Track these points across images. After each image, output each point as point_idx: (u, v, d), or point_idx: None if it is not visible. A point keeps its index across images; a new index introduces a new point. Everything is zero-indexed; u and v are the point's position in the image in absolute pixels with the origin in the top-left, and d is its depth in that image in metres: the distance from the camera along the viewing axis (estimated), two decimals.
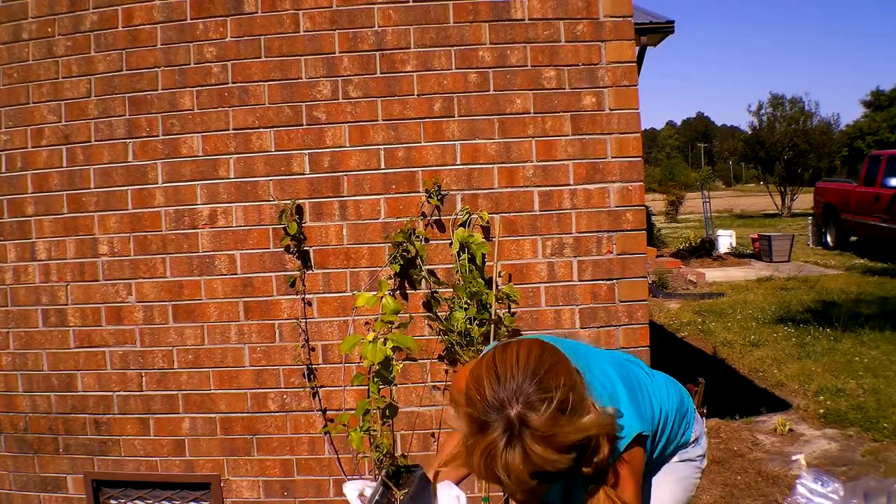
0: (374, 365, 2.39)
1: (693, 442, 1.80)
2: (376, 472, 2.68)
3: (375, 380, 2.43)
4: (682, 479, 1.81)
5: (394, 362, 2.46)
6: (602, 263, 2.84)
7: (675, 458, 1.81)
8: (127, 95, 2.92)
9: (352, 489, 1.60)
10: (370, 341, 2.31)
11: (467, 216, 2.84)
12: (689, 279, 10.82)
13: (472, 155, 2.84)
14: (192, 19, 2.89)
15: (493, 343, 2.18)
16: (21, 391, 3.03)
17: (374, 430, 2.46)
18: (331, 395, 2.90)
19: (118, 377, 2.97)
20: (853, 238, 14.05)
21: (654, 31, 8.64)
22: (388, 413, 2.56)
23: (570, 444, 1.27)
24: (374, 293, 2.51)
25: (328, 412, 2.90)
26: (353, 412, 2.74)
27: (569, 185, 2.83)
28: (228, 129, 2.89)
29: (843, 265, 12.02)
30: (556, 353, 1.36)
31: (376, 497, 1.57)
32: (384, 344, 2.31)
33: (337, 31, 2.86)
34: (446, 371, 2.88)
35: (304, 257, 2.89)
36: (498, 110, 2.83)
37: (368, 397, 2.65)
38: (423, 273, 2.82)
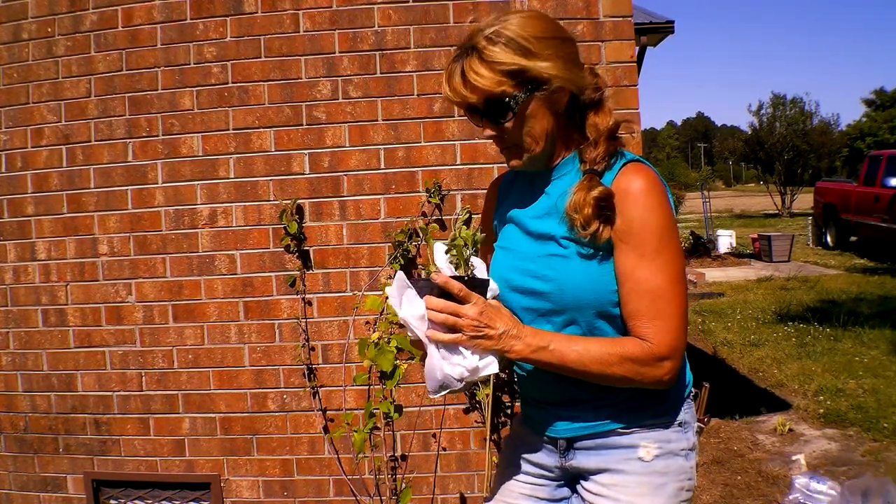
0: (374, 365, 2.39)
1: (678, 425, 1.40)
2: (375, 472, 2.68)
3: (385, 382, 2.44)
4: (659, 488, 1.36)
5: (399, 364, 2.47)
6: None
7: (639, 451, 1.36)
8: (127, 95, 2.92)
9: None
10: (374, 342, 2.32)
11: (468, 215, 2.83)
12: (688, 279, 10.83)
13: (471, 155, 2.84)
14: (192, 19, 2.89)
15: None
16: (21, 391, 3.03)
17: (378, 431, 2.46)
18: (331, 395, 2.90)
19: (118, 377, 2.97)
20: (853, 238, 14.06)
21: (654, 31, 8.64)
22: (394, 414, 2.56)
23: (507, 68, 1.28)
24: (379, 294, 2.52)
25: (328, 412, 2.90)
26: (357, 412, 2.74)
27: None
28: (228, 129, 2.89)
29: (843, 265, 12.03)
30: None
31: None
32: (388, 343, 2.32)
33: (337, 31, 2.86)
34: None
35: (304, 257, 2.89)
36: None
37: (369, 397, 2.65)
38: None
